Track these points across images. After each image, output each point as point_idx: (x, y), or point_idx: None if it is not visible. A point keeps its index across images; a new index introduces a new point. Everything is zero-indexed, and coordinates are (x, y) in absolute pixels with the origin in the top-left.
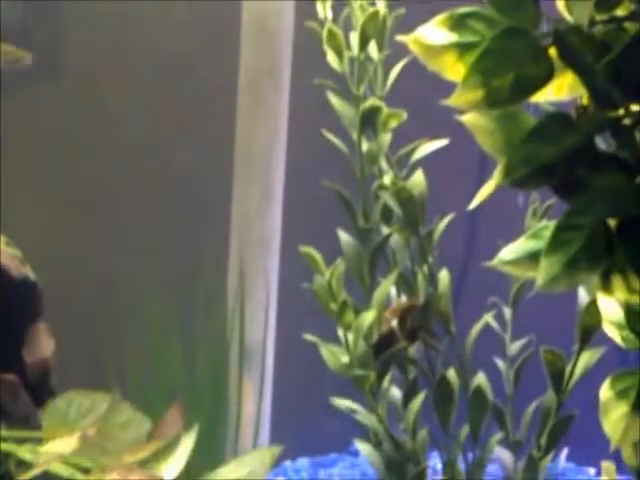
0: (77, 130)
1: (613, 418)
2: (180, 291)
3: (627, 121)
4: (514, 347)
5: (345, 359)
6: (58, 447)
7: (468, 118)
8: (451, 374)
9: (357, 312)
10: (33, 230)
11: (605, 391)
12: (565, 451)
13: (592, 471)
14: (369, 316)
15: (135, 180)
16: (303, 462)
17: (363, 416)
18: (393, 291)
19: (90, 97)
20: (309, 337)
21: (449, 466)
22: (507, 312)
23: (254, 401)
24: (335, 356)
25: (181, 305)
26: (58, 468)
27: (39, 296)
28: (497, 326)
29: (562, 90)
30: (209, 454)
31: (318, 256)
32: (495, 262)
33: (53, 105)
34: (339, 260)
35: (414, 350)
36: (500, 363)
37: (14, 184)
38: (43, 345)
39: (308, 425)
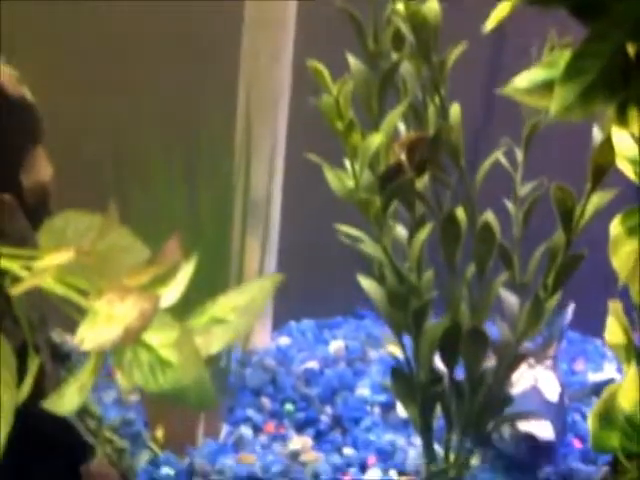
0: None
1: (623, 254)
2: (187, 145)
3: None
4: (524, 189)
5: (350, 184)
6: (53, 261)
7: None
8: (459, 211)
9: (364, 137)
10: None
11: (615, 227)
12: (572, 306)
13: (598, 342)
14: (376, 139)
15: (144, 37)
16: (308, 323)
17: (368, 245)
18: (403, 126)
19: None
20: (314, 158)
21: (453, 306)
22: (519, 154)
23: (257, 258)
24: (341, 180)
25: (187, 159)
26: (53, 286)
27: (38, 119)
28: (508, 165)
29: None
30: None
31: (326, 72)
32: (508, 89)
33: None
34: (347, 75)
35: (422, 184)
36: (510, 206)
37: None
38: (42, 170)
39: (314, 289)
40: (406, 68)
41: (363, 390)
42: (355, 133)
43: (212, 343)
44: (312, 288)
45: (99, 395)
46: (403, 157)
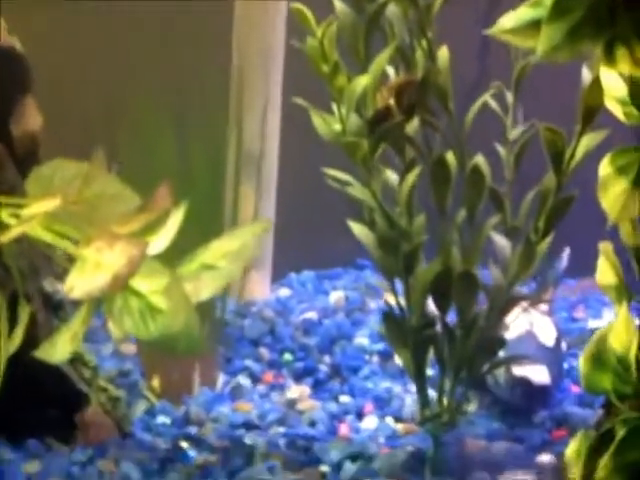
0: None
1: (612, 194)
2: (180, 95)
3: None
4: (515, 132)
5: (337, 127)
6: (40, 208)
7: None
8: (449, 155)
9: (350, 81)
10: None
11: (605, 167)
12: (567, 251)
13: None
14: (362, 81)
15: None
16: (308, 274)
17: (357, 190)
18: (392, 71)
19: None
20: (299, 101)
21: (444, 250)
22: (509, 96)
23: (253, 208)
24: (327, 124)
25: (180, 110)
26: (41, 233)
27: (27, 69)
28: (498, 108)
29: None
30: None
31: (310, 14)
32: (495, 30)
33: None
34: (331, 17)
35: (412, 128)
36: (500, 149)
37: None
38: (31, 119)
39: (314, 240)
40: (392, 11)
41: (361, 339)
42: (341, 76)
43: (202, 289)
44: (312, 239)
45: (97, 347)
46: (391, 101)
